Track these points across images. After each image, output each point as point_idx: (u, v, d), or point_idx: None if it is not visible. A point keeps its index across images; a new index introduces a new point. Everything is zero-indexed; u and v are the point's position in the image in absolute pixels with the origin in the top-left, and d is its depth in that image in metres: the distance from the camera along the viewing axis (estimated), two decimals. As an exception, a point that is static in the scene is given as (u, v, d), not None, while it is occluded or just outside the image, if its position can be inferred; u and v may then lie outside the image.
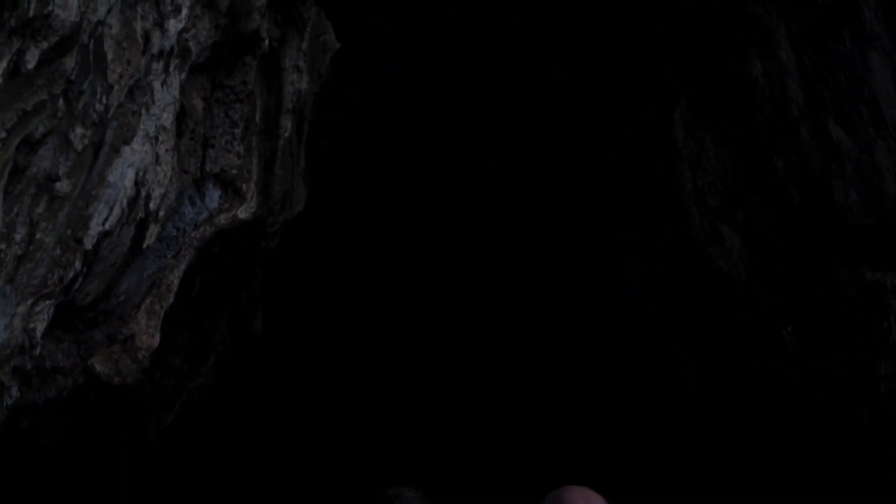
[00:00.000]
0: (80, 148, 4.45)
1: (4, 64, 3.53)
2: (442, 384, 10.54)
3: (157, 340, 5.99)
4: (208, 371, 10.43)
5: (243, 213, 6.08)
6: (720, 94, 8.65)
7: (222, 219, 6.05)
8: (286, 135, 6.22)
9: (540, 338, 9.86)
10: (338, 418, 11.33)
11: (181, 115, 5.63)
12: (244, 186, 6.05)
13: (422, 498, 3.21)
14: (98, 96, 4.46)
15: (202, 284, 9.40)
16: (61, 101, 4.22)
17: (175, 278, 6.05)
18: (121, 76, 4.78)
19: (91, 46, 4.34)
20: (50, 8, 3.59)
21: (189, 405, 10.10)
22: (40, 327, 4.92)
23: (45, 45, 3.70)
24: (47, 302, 4.90)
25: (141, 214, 5.29)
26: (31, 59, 3.68)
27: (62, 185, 4.56)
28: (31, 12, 3.50)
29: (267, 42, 5.79)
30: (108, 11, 4.26)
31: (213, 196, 6.00)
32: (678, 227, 8.91)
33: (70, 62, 4.01)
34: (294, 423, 11.38)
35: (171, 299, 6.06)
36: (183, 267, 6.07)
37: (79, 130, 4.43)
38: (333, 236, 8.76)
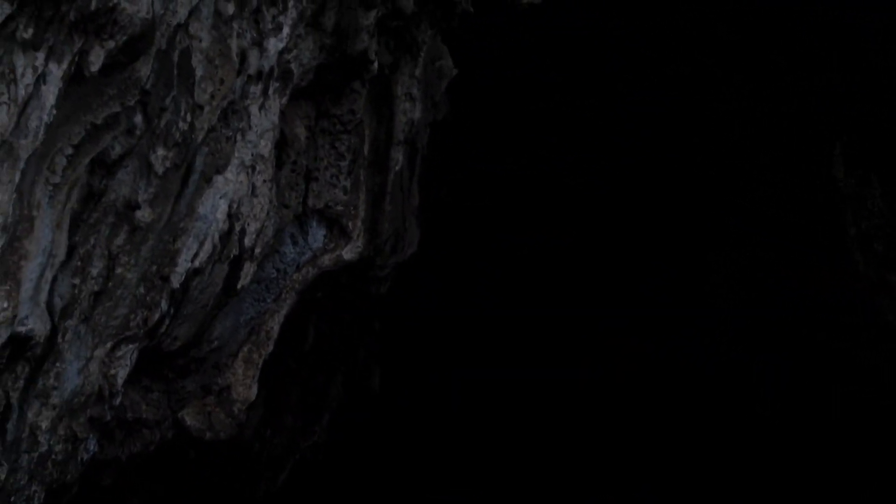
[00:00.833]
0: (161, 171, 3.99)
1: (65, 65, 3.09)
2: (553, 416, 10.04)
3: (254, 392, 5.46)
4: (322, 430, 9.91)
5: (349, 253, 5.52)
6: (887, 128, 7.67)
7: (326, 259, 5.51)
8: (397, 168, 5.67)
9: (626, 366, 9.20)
10: (458, 473, 10.65)
11: (281, 145, 5.15)
12: (350, 224, 5.50)
13: None
14: (182, 114, 4.01)
15: (315, 338, 8.96)
16: (139, 117, 3.78)
17: (275, 324, 5.53)
18: (212, 96, 4.33)
19: (175, 58, 3.90)
20: (115, 0, 3.15)
21: (302, 464, 9.58)
22: (122, 373, 4.45)
23: (111, 44, 3.25)
24: (130, 346, 4.43)
25: (235, 251, 4.80)
26: (96, 61, 3.23)
27: (144, 215, 4.10)
28: (94, 4, 3.06)
29: (376, 65, 5.28)
30: (190, 14, 3.81)
31: (317, 234, 5.48)
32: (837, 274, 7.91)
33: (144, 69, 3.56)
34: (413, 480, 10.70)
35: (271, 347, 5.52)
36: (284, 312, 5.54)
37: (160, 152, 3.98)
38: (446, 275, 8.15)
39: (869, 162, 7.73)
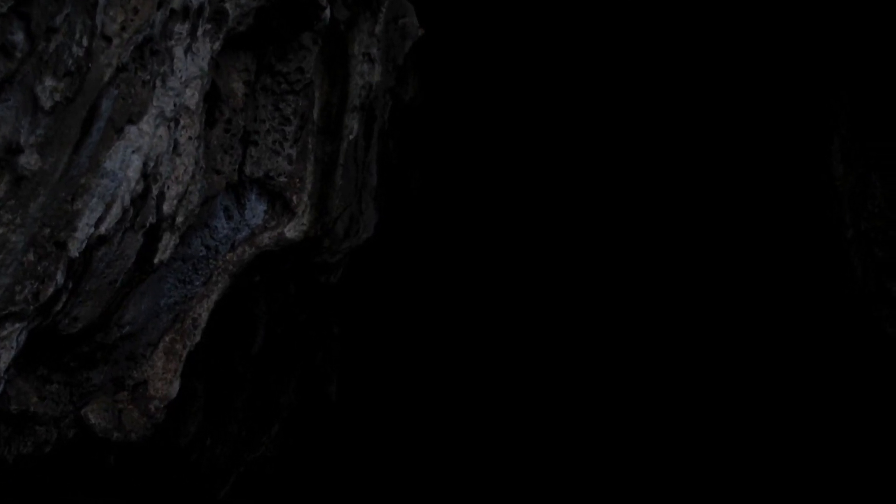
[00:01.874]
0: (49, 106, 3.26)
1: None
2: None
3: (175, 389, 4.69)
4: (271, 441, 9.13)
5: (292, 231, 4.79)
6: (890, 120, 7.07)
7: (266, 238, 4.78)
8: (351, 137, 4.96)
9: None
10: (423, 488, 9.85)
11: (214, 100, 4.43)
12: (295, 198, 4.77)
13: None
14: (78, 37, 3.28)
15: (266, 338, 8.19)
16: (20, 35, 3.06)
17: (204, 311, 4.78)
18: (123, 27, 3.61)
19: (69, -31, 3.19)
20: None
21: (247, 478, 8.78)
22: (5, 357, 3.69)
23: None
24: (16, 325, 3.67)
25: (151, 219, 4.06)
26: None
27: (30, 161, 3.36)
28: None
29: (328, 13, 4.57)
30: None
31: (256, 208, 4.74)
32: (832, 280, 7.27)
33: (19, -32, 2.86)
34: (372, 495, 9.89)
35: (198, 338, 4.77)
36: (215, 297, 4.79)
37: (49, 83, 3.25)
38: (407, 266, 7.39)
39: (869, 159, 7.11)
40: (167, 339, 4.70)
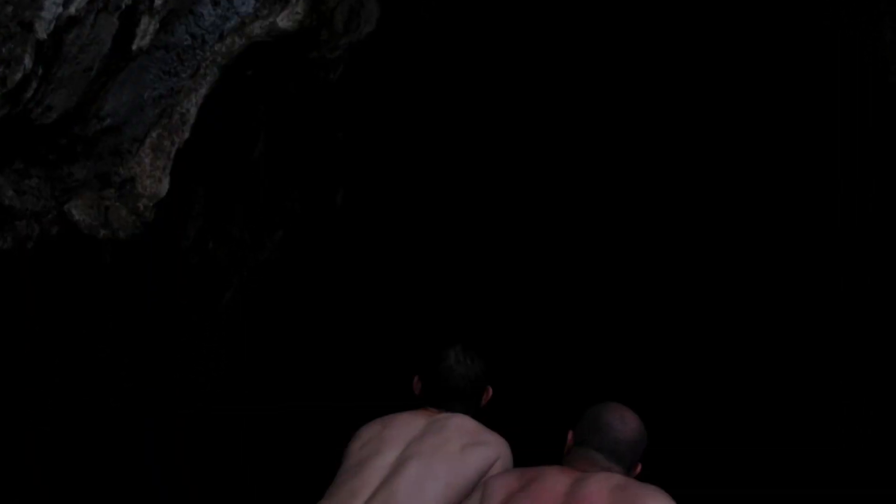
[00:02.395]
0: None
1: None
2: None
3: (165, 187, 4.47)
4: (275, 246, 9.03)
5: (285, 20, 4.41)
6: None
7: (257, 27, 4.40)
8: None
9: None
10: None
11: None
12: (288, -17, 4.37)
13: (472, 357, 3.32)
14: None
15: (266, 144, 7.93)
16: None
17: (192, 106, 4.48)
18: None
19: None
20: None
21: (252, 282, 8.74)
22: (-28, 147, 3.46)
23: None
24: (-17, 111, 3.42)
25: (127, 0, 3.70)
26: None
27: (-19, -75, 2.99)
28: None
29: None
30: None
31: (246, -5, 4.35)
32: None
33: None
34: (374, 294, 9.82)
35: (187, 134, 4.50)
36: (203, 91, 4.48)
37: None
38: (410, 61, 6.96)
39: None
40: (154, 134, 4.43)
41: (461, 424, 3.18)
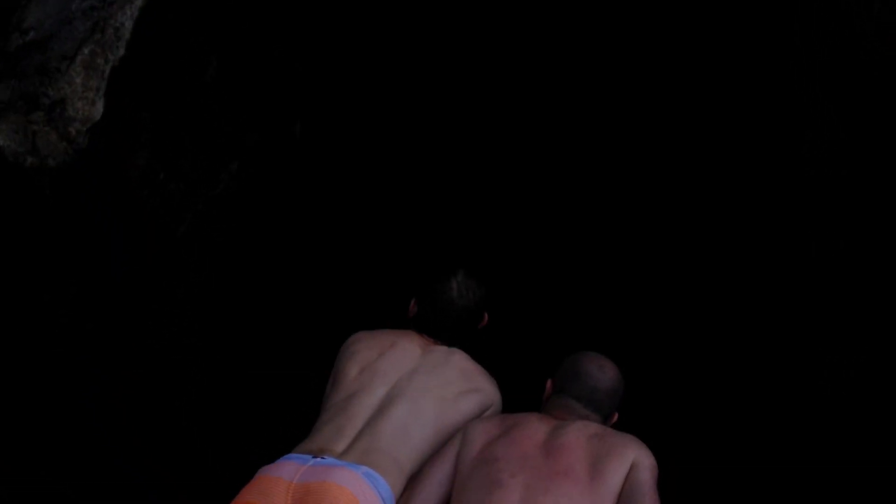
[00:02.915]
0: None
1: None
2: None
3: (98, 110, 4.11)
4: (231, 178, 8.65)
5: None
6: None
7: (197, -69, 4.01)
8: None
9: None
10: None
11: None
12: None
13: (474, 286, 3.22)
14: None
15: (219, 69, 7.50)
16: None
17: (127, 19, 4.09)
18: None
19: None
20: None
21: (207, 216, 8.37)
22: None
23: None
24: None
25: None
26: None
27: None
28: None
29: None
30: None
31: None
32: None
33: None
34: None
35: (122, 51, 4.12)
36: (139, 2, 4.09)
37: None
38: None
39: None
40: (86, 51, 4.04)
41: (461, 366, 3.06)
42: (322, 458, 2.83)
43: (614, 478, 2.71)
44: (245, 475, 3.19)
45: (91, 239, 6.34)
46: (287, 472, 2.79)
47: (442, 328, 3.18)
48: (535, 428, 2.84)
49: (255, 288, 8.93)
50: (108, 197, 6.67)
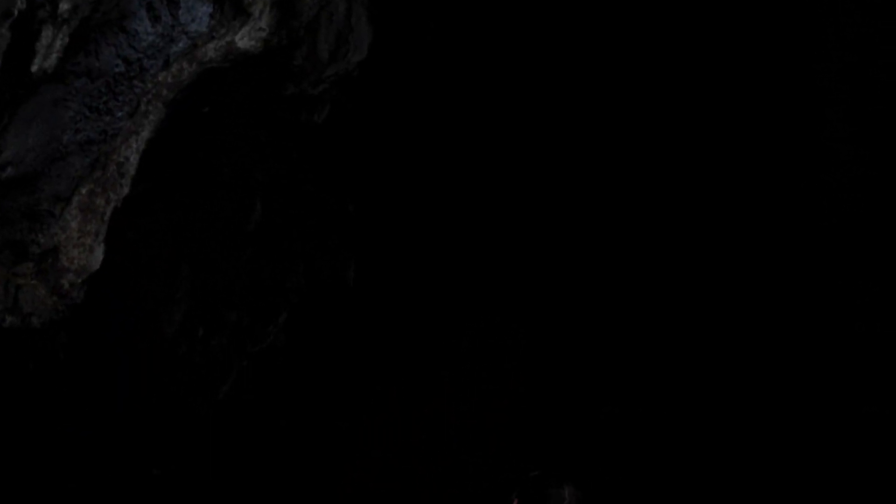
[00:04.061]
0: None
1: None
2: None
3: (98, 258, 3.47)
4: (279, 331, 7.98)
5: (246, 38, 3.44)
6: None
7: (211, 50, 3.45)
8: None
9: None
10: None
11: None
12: (249, -6, 3.43)
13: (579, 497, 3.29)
14: None
15: (264, 214, 6.98)
16: None
17: (132, 154, 3.50)
18: None
19: None
20: None
21: (253, 372, 7.67)
22: None
23: None
24: None
25: (20, 4, 2.76)
26: None
27: None
28: None
29: None
30: None
31: (196, 9, 3.40)
32: None
33: None
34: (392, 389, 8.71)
35: (127, 189, 3.52)
36: (146, 135, 3.50)
37: None
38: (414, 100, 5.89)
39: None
40: (84, 191, 3.45)
41: None
42: None
43: None
44: None
45: (115, 411, 5.65)
46: None
47: None
48: None
49: (308, 451, 8.10)
50: (137, 358, 6.01)
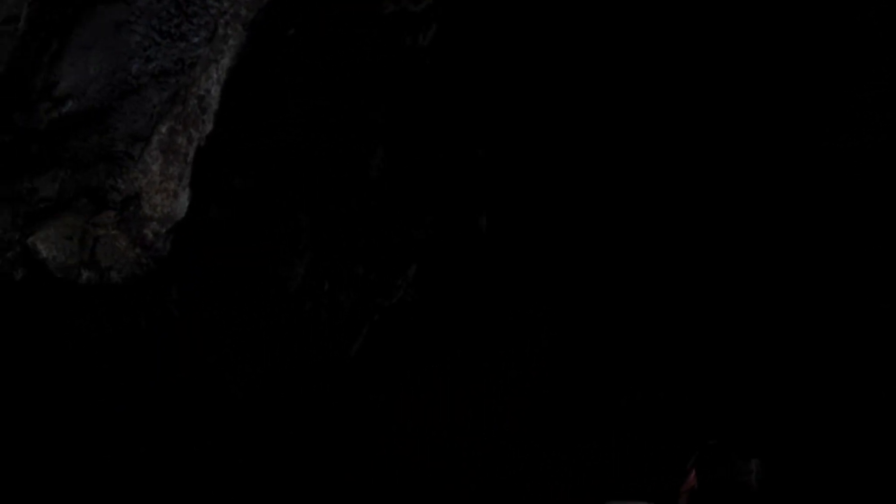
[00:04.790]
0: None
1: None
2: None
3: (183, 204, 3.11)
4: (409, 284, 7.62)
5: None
6: None
7: (292, -41, 3.02)
8: None
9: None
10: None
11: None
12: None
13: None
14: None
15: (385, 161, 6.59)
16: None
17: (213, 85, 3.11)
18: None
19: None
20: None
21: (384, 328, 7.33)
22: None
23: None
24: None
25: None
26: None
27: None
28: None
29: None
30: None
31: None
32: None
33: None
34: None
35: (210, 126, 3.14)
36: (226, 62, 3.11)
37: None
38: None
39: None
40: (163, 129, 3.09)
41: None
42: None
43: None
44: None
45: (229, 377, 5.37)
46: None
47: None
48: None
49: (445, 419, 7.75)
50: (257, 317, 5.73)
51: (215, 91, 3.07)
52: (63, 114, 2.67)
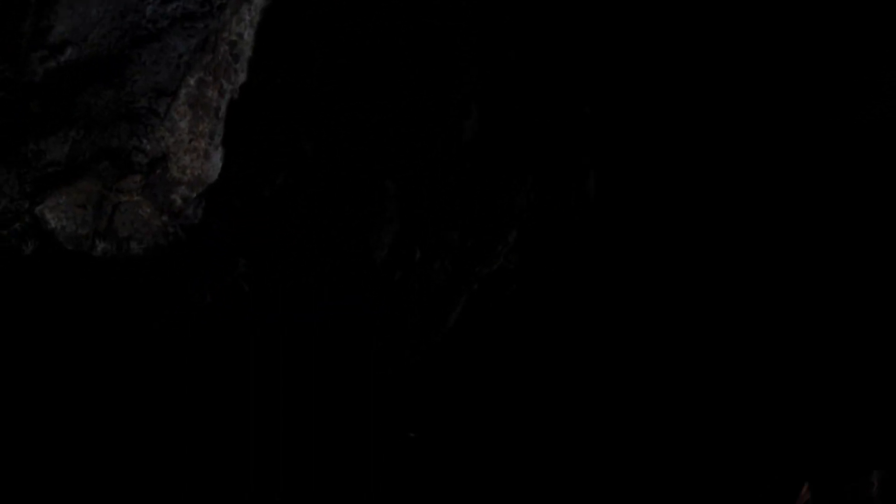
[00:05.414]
0: None
1: None
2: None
3: (215, 165, 2.73)
4: (509, 251, 7.17)
5: None
6: None
7: None
8: None
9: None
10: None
11: None
12: None
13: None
14: None
15: (482, 122, 6.17)
16: None
17: (245, 29, 2.71)
18: None
19: None
20: None
21: (483, 298, 6.92)
22: None
23: None
24: None
25: None
26: None
27: None
28: None
29: None
30: None
31: None
32: None
33: None
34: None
35: (243, 76, 2.74)
36: (259, 1, 2.71)
37: None
38: None
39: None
40: (192, 81, 2.71)
41: None
42: None
43: None
44: None
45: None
46: None
47: None
48: None
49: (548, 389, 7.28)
50: (346, 284, 5.40)
51: (248, 35, 2.66)
52: (62, 63, 2.31)
